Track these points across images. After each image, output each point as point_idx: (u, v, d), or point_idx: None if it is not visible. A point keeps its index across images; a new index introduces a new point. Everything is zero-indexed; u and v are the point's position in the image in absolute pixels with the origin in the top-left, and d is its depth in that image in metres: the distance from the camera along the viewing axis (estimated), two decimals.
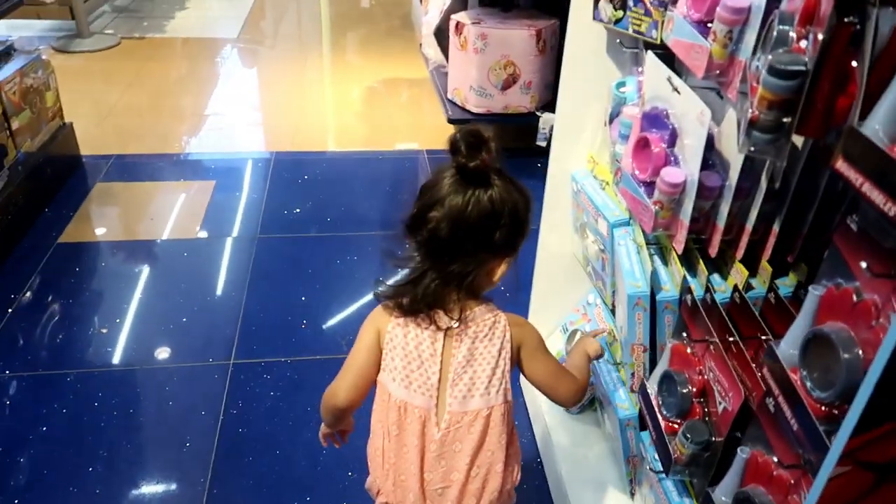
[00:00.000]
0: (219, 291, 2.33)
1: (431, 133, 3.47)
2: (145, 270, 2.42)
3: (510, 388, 1.08)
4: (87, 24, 4.62)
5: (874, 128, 0.62)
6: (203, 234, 2.63)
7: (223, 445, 1.77)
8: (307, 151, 3.31)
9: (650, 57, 1.17)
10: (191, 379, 1.97)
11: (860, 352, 0.65)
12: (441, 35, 3.26)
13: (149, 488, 1.66)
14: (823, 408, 0.68)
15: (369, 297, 2.32)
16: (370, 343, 1.08)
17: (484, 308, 1.07)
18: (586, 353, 1.23)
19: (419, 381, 1.05)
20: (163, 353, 2.06)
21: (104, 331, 2.12)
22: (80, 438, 1.77)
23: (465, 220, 0.98)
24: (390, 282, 1.08)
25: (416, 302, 1.04)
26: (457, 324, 1.04)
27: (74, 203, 2.76)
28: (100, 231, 2.66)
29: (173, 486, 1.67)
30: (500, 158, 1.00)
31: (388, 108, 3.86)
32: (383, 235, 2.66)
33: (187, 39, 4.93)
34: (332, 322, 2.21)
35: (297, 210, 2.80)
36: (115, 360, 2.02)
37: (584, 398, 1.14)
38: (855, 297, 0.67)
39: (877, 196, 0.59)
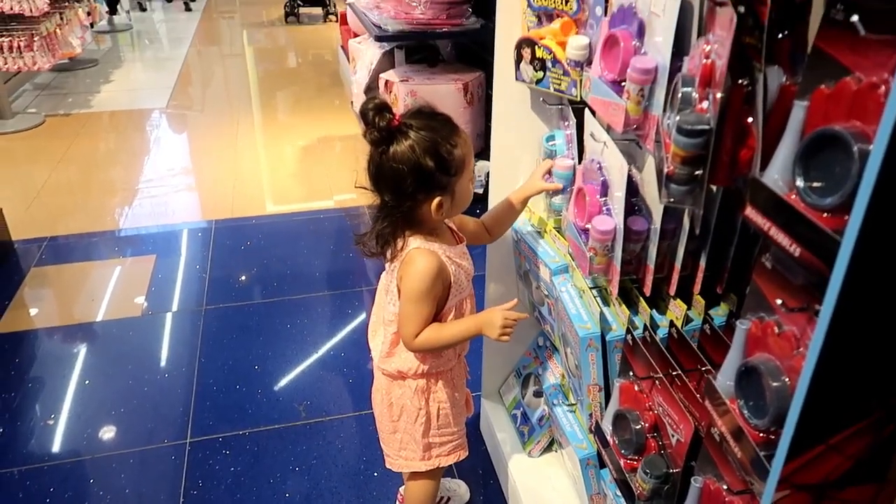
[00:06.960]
0: (169, 368, 2.29)
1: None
2: (89, 354, 2.36)
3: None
4: (9, 103, 4.53)
5: (773, 177, 0.69)
6: (147, 311, 2.59)
7: None
8: (247, 217, 3.31)
9: (587, 113, 1.25)
10: (146, 463, 1.92)
11: (787, 379, 0.72)
12: (371, 93, 3.34)
13: None
14: (761, 434, 0.74)
15: (323, 357, 2.32)
16: None
17: (416, 239, 1.27)
18: (477, 325, 1.34)
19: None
20: (114, 440, 2.00)
21: (49, 422, 2.05)
22: None
23: (380, 175, 1.24)
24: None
25: (373, 247, 1.30)
26: (389, 259, 1.29)
27: (9, 292, 2.68)
28: (38, 318, 2.58)
29: None
30: (414, 114, 1.22)
31: (324, 165, 3.90)
32: (332, 295, 2.67)
33: (115, 112, 4.88)
34: (287, 388, 2.20)
35: (243, 277, 2.78)
36: (64, 451, 1.95)
37: (430, 348, 1.34)
38: (777, 329, 0.74)
39: (783, 239, 0.66)
